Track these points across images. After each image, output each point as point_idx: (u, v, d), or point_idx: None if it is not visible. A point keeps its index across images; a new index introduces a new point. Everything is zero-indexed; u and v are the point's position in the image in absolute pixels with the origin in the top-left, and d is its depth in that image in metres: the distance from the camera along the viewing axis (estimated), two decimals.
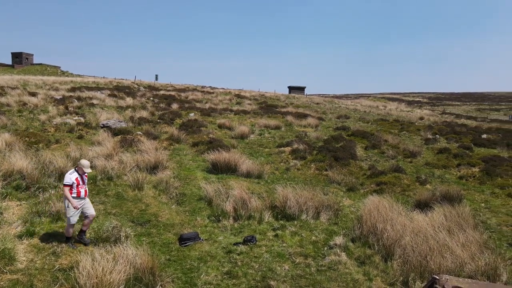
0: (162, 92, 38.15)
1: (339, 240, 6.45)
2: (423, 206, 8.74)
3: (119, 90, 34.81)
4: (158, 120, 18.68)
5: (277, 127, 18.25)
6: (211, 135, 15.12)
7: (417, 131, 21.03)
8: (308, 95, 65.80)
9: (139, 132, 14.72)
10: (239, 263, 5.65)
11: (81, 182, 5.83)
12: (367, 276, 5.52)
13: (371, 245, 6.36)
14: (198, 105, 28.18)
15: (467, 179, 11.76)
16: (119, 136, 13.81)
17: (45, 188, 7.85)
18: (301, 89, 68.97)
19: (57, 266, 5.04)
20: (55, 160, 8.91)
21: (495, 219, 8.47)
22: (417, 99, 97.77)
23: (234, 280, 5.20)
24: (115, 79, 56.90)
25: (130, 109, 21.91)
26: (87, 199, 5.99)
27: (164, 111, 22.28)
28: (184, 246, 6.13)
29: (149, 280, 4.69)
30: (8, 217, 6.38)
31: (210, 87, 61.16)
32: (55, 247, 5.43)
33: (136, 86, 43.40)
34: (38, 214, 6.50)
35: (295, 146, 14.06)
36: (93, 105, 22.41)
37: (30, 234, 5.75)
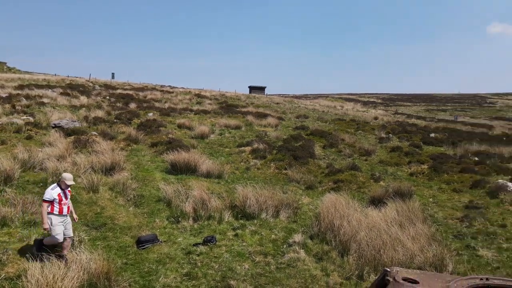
0: (119, 91, 36.88)
1: (298, 237, 6.59)
2: (377, 202, 9.13)
3: (73, 88, 33.20)
4: (115, 120, 18.05)
5: (238, 127, 18.27)
6: (170, 135, 14.85)
7: (371, 130, 21.90)
8: (269, 95, 66.37)
9: (94, 133, 14.15)
10: (199, 264, 5.61)
11: (63, 198, 5.40)
12: (324, 271, 5.68)
13: (329, 242, 6.56)
14: (157, 104, 27.55)
15: (417, 176, 12.43)
16: (72, 137, 13.19)
17: None
18: (261, 89, 69.40)
19: (3, 275, 4.74)
20: (0, 162, 8.36)
21: (441, 213, 9.03)
22: (372, 100, 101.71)
23: (193, 281, 5.15)
24: (68, 77, 54.21)
25: (84, 109, 21.01)
26: (69, 218, 5.55)
27: (121, 111, 21.56)
28: (142, 248, 6.00)
29: (104, 286, 4.53)
30: None
31: (169, 86, 59.94)
32: (1, 254, 5.10)
33: (91, 84, 41.62)
34: None
35: (255, 145, 14.16)
36: (43, 104, 21.25)
37: None
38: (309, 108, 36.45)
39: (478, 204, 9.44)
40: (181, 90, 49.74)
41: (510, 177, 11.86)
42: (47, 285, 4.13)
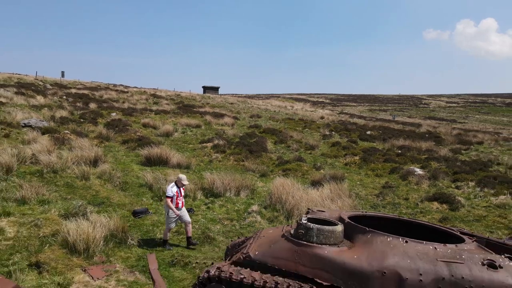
0: (73, 90, 37.01)
1: (255, 208, 8.80)
2: (316, 184, 11.58)
3: (24, 87, 32.95)
4: (81, 120, 19.17)
5: (198, 126, 20.16)
6: (138, 134, 16.45)
7: (317, 128, 24.75)
8: (222, 94, 68.32)
9: (67, 131, 15.38)
10: (183, 225, 7.61)
11: (179, 195, 6.75)
12: None
13: (278, 210, 8.82)
14: (116, 104, 28.53)
15: (350, 165, 15.18)
16: (47, 135, 14.38)
17: None
18: (215, 89, 71.10)
19: (41, 233, 6.43)
20: (1, 156, 9.69)
21: (364, 191, 11.69)
22: (321, 100, 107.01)
23: (181, 236, 7.16)
24: (14, 74, 52.36)
25: (46, 108, 21.73)
26: (183, 209, 6.85)
27: (83, 111, 22.53)
28: (138, 218, 7.86)
29: (122, 236, 6.42)
30: None
31: (122, 85, 59.72)
32: (36, 221, 6.74)
33: (41, 83, 41.04)
34: (4, 200, 7.59)
35: (216, 142, 16.20)
36: (2, 103, 21.66)
37: (6, 214, 6.92)
38: (262, 108, 38.95)
39: (392, 185, 12.25)
40: (135, 90, 50.13)
41: (420, 165, 14.97)
42: (84, 234, 5.94)
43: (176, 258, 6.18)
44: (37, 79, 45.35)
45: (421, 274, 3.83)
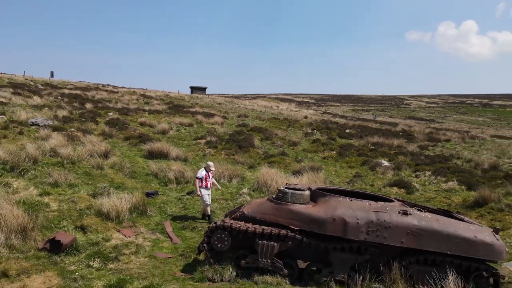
0: (66, 90, 38.17)
1: (245, 190, 10.70)
2: (297, 173, 13.53)
3: (18, 87, 34.07)
4: (82, 119, 20.69)
5: (190, 125, 21.92)
6: (137, 131, 18.13)
7: (300, 127, 26.79)
8: (209, 95, 69.96)
9: (73, 129, 16.96)
10: (188, 203, 9.48)
11: (208, 177, 8.53)
12: None
13: (264, 192, 10.72)
14: (110, 105, 30.00)
15: (328, 159, 17.22)
16: (56, 132, 15.94)
17: (27, 169, 10.38)
18: (202, 89, 72.71)
19: (78, 207, 8.17)
20: (26, 149, 11.32)
21: (337, 179, 13.71)
22: (306, 100, 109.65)
23: (187, 210, 9.02)
24: (2, 74, 52.91)
25: (46, 108, 23.13)
26: (210, 190, 8.57)
27: (81, 110, 23.99)
28: (150, 198, 9.65)
29: (142, 208, 8.23)
30: (17, 186, 9.05)
31: (110, 85, 60.78)
32: (72, 198, 8.47)
33: (31, 83, 42.00)
34: (41, 183, 9.27)
35: (208, 138, 18.02)
36: (3, 103, 22.98)
37: (46, 193, 8.62)
38: (248, 108, 40.86)
39: (361, 174, 14.31)
40: (125, 90, 51.39)
41: (388, 158, 17.11)
42: (115, 205, 7.72)
43: (186, 225, 8.02)
44: (27, 79, 46.20)
45: (358, 219, 5.80)
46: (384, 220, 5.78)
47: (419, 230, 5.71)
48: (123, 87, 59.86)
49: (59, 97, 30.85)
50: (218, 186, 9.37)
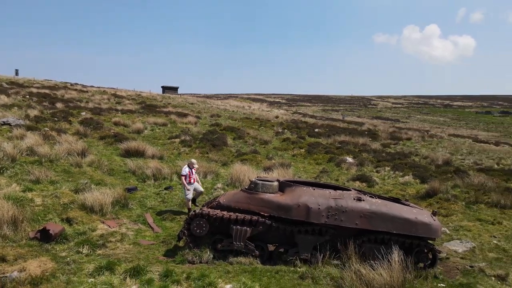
0: (34, 90, 37.39)
1: (219, 185, 11.46)
2: (267, 169, 14.41)
3: None
4: (54, 119, 20.69)
5: (164, 124, 22.37)
6: (112, 131, 18.44)
7: (271, 126, 27.77)
8: (181, 94, 69.91)
9: (47, 129, 17.08)
10: (166, 197, 10.14)
11: (191, 174, 9.15)
12: None
13: (237, 186, 11.50)
14: (81, 104, 29.84)
15: (297, 156, 18.24)
16: (30, 132, 16.05)
17: (6, 167, 10.65)
18: (174, 89, 72.57)
19: (62, 202, 8.66)
20: (3, 148, 11.55)
21: (305, 175, 14.71)
22: (278, 100, 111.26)
23: (166, 203, 9.68)
24: None
25: (16, 108, 22.90)
26: (195, 183, 9.30)
27: (53, 110, 23.87)
28: (130, 193, 10.22)
29: (124, 202, 8.83)
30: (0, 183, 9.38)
31: (78, 84, 59.62)
32: (55, 193, 8.93)
33: None
34: (22, 180, 9.64)
35: (183, 138, 18.60)
36: None
37: (29, 189, 9.03)
38: (221, 108, 41.49)
39: (327, 170, 15.39)
40: (95, 89, 50.69)
41: (353, 155, 18.34)
42: (98, 199, 8.28)
43: (165, 216, 8.69)
44: None
45: (319, 205, 6.72)
46: (342, 206, 6.73)
47: (370, 213, 6.70)
48: (92, 86, 58.89)
49: (27, 96, 30.34)
50: (201, 188, 9.90)
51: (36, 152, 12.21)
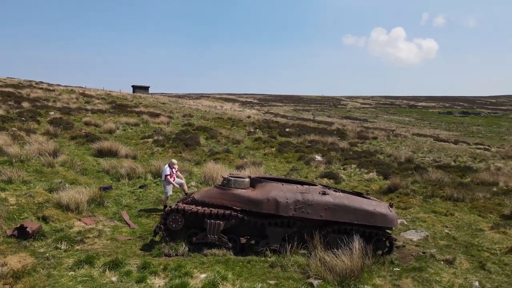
0: None
1: (193, 183, 11.82)
2: (240, 168, 14.89)
3: None
4: (21, 118, 20.25)
5: (136, 124, 22.36)
6: (83, 131, 18.32)
7: (243, 126, 28.26)
8: (152, 94, 69.12)
9: (15, 129, 16.78)
10: (141, 195, 10.40)
11: (172, 173, 9.61)
12: None
13: (210, 184, 11.91)
14: (49, 103, 29.16)
15: (268, 155, 18.82)
16: None
17: None
18: (145, 89, 71.58)
19: (36, 201, 8.76)
20: None
21: (276, 173, 15.29)
22: (249, 100, 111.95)
23: (141, 201, 9.95)
24: None
25: None
26: (176, 180, 9.82)
27: (19, 110, 23.28)
28: (105, 192, 10.40)
29: (100, 200, 9.04)
30: None
31: (44, 83, 57.81)
32: (29, 193, 9.00)
33: None
34: None
35: (155, 137, 18.75)
36: None
37: (2, 189, 9.05)
38: (193, 108, 41.57)
39: (297, 168, 16.05)
40: (62, 88, 49.38)
41: (321, 154, 19.12)
42: (74, 198, 8.46)
43: (141, 213, 8.99)
44: None
45: (287, 199, 7.26)
46: (308, 199, 7.30)
47: (334, 206, 7.31)
48: (59, 85, 57.28)
49: None
50: (185, 187, 10.37)
51: (6, 152, 12.12)
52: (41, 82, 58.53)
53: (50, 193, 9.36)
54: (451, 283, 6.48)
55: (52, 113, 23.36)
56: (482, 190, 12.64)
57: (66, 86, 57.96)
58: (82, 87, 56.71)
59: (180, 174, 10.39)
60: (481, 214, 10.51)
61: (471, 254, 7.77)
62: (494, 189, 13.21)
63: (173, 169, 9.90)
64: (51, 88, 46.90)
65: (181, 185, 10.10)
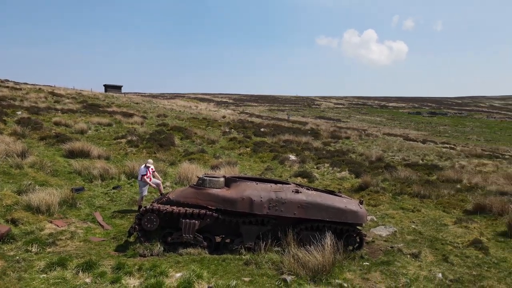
0: None
1: (168, 183, 11.79)
2: (215, 168, 14.95)
3: None
4: None
5: (109, 124, 21.95)
6: (53, 131, 17.83)
7: (218, 126, 28.26)
8: (125, 93, 67.76)
9: None
10: (115, 196, 10.29)
11: (149, 173, 9.56)
12: None
13: (185, 184, 11.92)
14: (16, 103, 28.13)
15: (243, 155, 18.95)
16: None
17: None
18: (118, 88, 70.13)
19: (4, 204, 8.52)
20: None
21: (251, 172, 15.45)
22: (225, 100, 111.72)
23: (115, 202, 9.85)
24: None
25: None
26: (154, 179, 9.87)
27: None
28: (77, 193, 10.22)
29: (72, 201, 8.89)
30: None
31: (9, 81, 55.57)
32: None
33: None
34: None
35: (129, 138, 18.50)
36: None
37: None
38: (167, 108, 41.12)
39: (272, 167, 16.27)
40: (29, 87, 47.67)
41: (295, 153, 19.45)
42: (44, 199, 8.29)
43: (115, 214, 8.91)
44: None
45: (261, 198, 7.42)
46: (281, 198, 7.49)
47: (306, 203, 7.53)
48: (26, 84, 55.26)
49: None
50: (161, 188, 10.39)
51: None
52: (7, 80, 56.25)
53: (19, 195, 9.13)
54: (417, 275, 6.83)
55: (19, 112, 22.58)
56: (447, 187, 13.28)
57: (33, 84, 55.98)
58: (51, 86, 54.90)
59: (157, 174, 10.39)
60: (445, 210, 11.05)
61: (435, 248, 8.18)
62: (458, 186, 13.90)
63: (150, 169, 9.90)
64: (17, 86, 45.13)
65: (157, 185, 10.11)
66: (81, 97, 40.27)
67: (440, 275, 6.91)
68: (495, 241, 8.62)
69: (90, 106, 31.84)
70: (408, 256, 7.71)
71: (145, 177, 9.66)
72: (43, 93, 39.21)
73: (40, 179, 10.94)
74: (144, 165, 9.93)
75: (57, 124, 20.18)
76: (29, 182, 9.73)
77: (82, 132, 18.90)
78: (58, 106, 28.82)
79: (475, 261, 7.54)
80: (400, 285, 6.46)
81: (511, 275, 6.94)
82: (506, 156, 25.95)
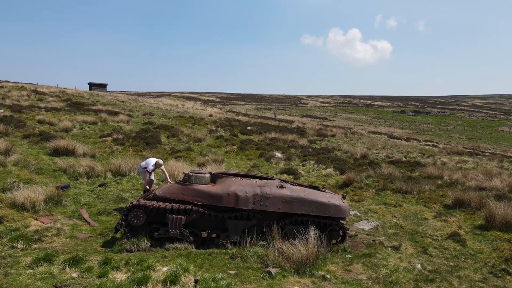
0: None
1: (155, 180, 11.79)
2: (201, 165, 15.03)
3: None
4: None
5: (94, 123, 21.77)
6: (37, 129, 17.62)
7: (205, 125, 28.29)
8: (110, 92, 67.03)
9: None
10: (101, 194, 10.29)
11: (153, 171, 9.86)
12: None
13: (172, 182, 11.97)
14: None
15: (230, 153, 19.06)
16: None
17: None
18: (103, 86, 69.25)
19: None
20: None
21: (238, 169, 15.58)
22: (211, 99, 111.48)
23: (101, 199, 9.87)
24: None
25: None
26: (152, 177, 10.00)
27: None
28: (63, 190, 10.18)
29: (57, 199, 8.87)
30: None
31: None
32: None
33: None
34: None
35: (115, 136, 18.41)
36: None
37: None
38: (154, 106, 40.88)
39: (258, 165, 16.44)
40: (11, 85, 46.77)
41: (282, 151, 19.65)
42: (29, 197, 8.27)
43: (101, 211, 8.94)
44: None
45: (247, 193, 7.57)
46: (266, 193, 7.65)
47: (291, 198, 7.72)
48: (8, 81, 54.18)
49: None
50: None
51: None
52: None
53: (3, 193, 9.07)
54: (397, 266, 7.08)
55: (1, 110, 22.21)
56: (428, 183, 13.67)
57: (15, 82, 54.91)
58: (34, 84, 53.94)
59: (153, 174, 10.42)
60: (426, 205, 11.39)
61: (415, 241, 8.47)
62: (439, 182, 14.32)
63: (154, 169, 10.00)
64: None
65: (151, 182, 10.14)
66: (65, 95, 39.72)
67: (419, 266, 7.18)
68: (473, 233, 8.97)
69: (74, 104, 31.48)
70: (389, 248, 7.97)
71: (149, 173, 9.76)
72: (25, 91, 38.55)
73: (24, 177, 10.85)
74: (155, 162, 9.93)
75: (41, 122, 19.93)
76: (13, 180, 9.66)
77: (66, 130, 18.72)
78: (42, 104, 28.42)
79: (453, 252, 7.85)
80: (381, 275, 6.69)
81: (486, 266, 7.26)
82: (486, 154, 26.73)
